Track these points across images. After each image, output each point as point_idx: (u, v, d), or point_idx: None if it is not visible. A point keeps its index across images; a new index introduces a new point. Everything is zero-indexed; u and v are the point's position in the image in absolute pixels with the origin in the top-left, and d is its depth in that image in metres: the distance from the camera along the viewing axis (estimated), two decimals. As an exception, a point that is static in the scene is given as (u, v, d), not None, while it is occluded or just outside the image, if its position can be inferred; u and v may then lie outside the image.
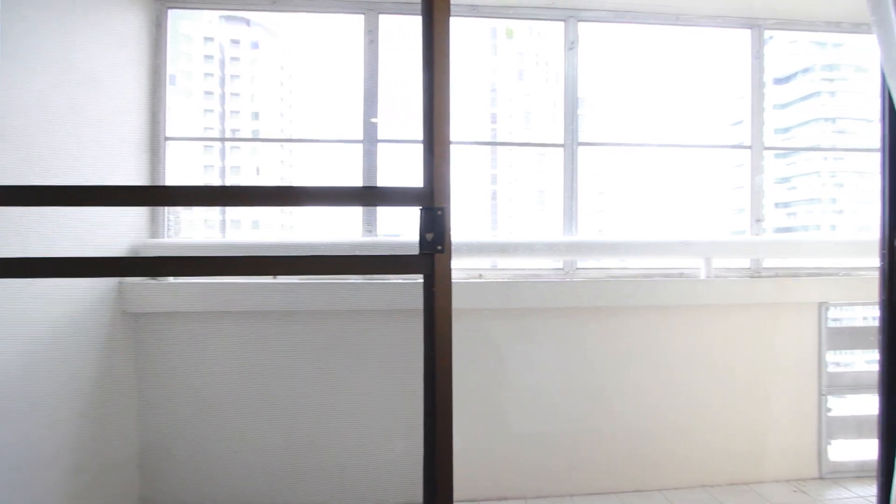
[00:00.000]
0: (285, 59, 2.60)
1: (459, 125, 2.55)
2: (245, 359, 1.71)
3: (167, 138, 2.07)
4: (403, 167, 2.21)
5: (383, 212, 2.09)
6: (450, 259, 1.10)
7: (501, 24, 2.62)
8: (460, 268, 2.10)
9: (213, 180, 2.38)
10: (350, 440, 1.80)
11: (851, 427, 2.26)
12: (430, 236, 1.08)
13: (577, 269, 2.17)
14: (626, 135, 2.49)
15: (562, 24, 2.22)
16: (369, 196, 1.34)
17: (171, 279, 1.79)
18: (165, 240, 2.00)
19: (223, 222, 2.37)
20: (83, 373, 1.56)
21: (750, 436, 2.17)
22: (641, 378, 2.09)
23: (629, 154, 2.47)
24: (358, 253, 1.79)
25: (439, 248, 1.09)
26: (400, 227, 2.15)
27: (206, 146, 2.41)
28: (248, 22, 2.50)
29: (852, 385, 2.27)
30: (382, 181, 2.11)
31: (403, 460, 1.69)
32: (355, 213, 2.10)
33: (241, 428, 1.73)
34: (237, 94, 2.50)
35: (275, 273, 1.60)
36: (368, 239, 1.94)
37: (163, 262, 1.19)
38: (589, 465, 2.06)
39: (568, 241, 2.11)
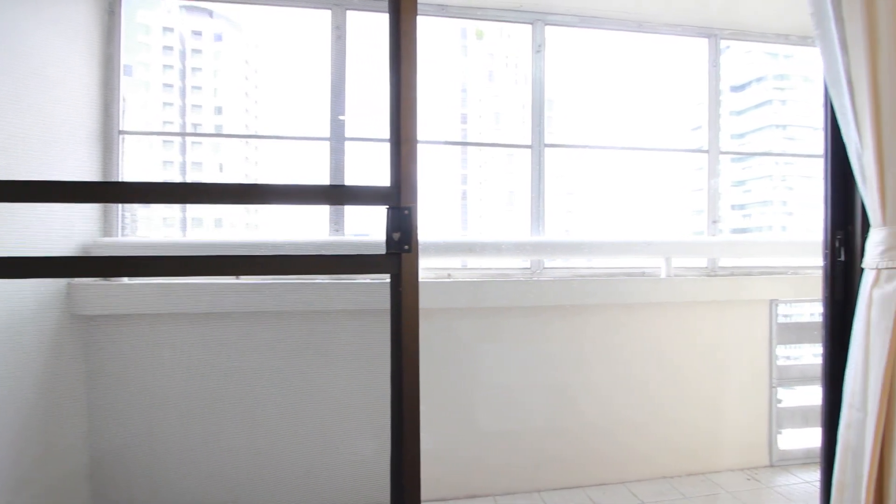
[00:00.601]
0: (251, 53, 2.53)
1: (430, 125, 2.55)
2: (206, 362, 1.66)
3: (121, 132, 1.97)
4: (373, 165, 2.19)
5: (352, 211, 2.07)
6: (417, 259, 1.10)
7: (472, 25, 2.63)
8: (429, 267, 2.10)
9: (173, 177, 2.29)
10: (316, 443, 1.77)
11: (799, 417, 2.40)
12: (396, 236, 1.07)
13: (545, 268, 2.20)
14: (593, 137, 2.55)
15: (529, 27, 2.26)
16: (335, 195, 1.32)
17: (125, 280, 1.71)
18: (120, 238, 1.91)
19: (184, 220, 2.29)
20: (27, 380, 1.47)
21: (706, 428, 2.27)
22: (604, 375, 2.14)
23: (596, 156, 2.53)
24: (324, 252, 1.75)
25: (406, 247, 1.08)
26: (369, 227, 2.13)
27: (165, 141, 2.32)
28: (210, 13, 2.42)
29: (800, 377, 2.40)
30: (351, 180, 2.08)
31: (371, 462, 1.67)
32: (322, 212, 2.06)
33: (201, 434, 1.67)
34: (199, 88, 2.42)
35: (238, 273, 1.56)
36: (335, 238, 1.91)
37: (116, 262, 1.13)
38: (555, 462, 2.10)
39: (534, 241, 2.14)
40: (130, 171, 2.07)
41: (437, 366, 1.99)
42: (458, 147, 2.65)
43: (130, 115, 2.10)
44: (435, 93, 2.66)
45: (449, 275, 2.09)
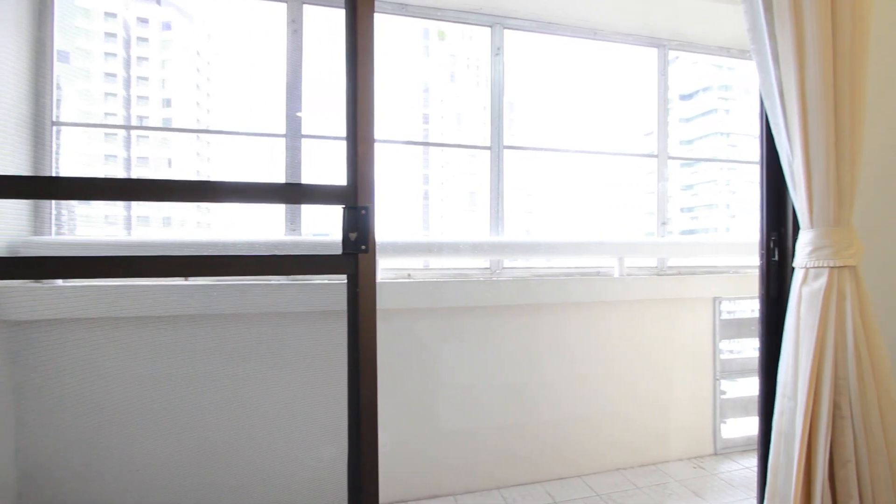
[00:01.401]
0: (202, 44, 2.42)
1: (392, 124, 2.53)
2: (151, 369, 1.57)
3: (56, 123, 1.84)
4: (333, 164, 2.14)
5: (311, 210, 2.02)
6: (374, 259, 1.09)
7: (434, 26, 2.63)
8: (389, 268, 2.08)
9: (117, 172, 2.15)
10: (273, 450, 1.71)
11: (740, 407, 2.55)
12: (353, 236, 1.06)
13: (504, 268, 2.24)
14: (553, 140, 2.62)
15: (489, 29, 2.28)
16: (290, 193, 1.29)
17: (59, 282, 1.59)
18: (54, 237, 1.78)
19: (128, 219, 2.16)
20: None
21: (656, 420, 2.37)
22: (559, 372, 2.20)
23: (555, 158, 2.59)
24: (279, 252, 1.70)
25: (363, 247, 1.07)
26: (329, 227, 2.08)
27: (107, 134, 2.18)
28: (158, 0, 2.30)
29: (741, 370, 2.56)
30: (309, 178, 2.03)
31: (330, 467, 1.64)
32: (279, 211, 2.00)
33: (145, 445, 1.58)
34: (145, 79, 2.29)
35: (186, 274, 1.49)
36: (291, 238, 1.86)
37: (50, 263, 1.05)
38: (514, 458, 2.13)
39: (491, 242, 2.17)
40: (67, 165, 1.94)
41: (397, 366, 1.98)
42: (421, 147, 2.64)
43: (67, 105, 1.96)
44: (397, 92, 2.64)
45: (409, 275, 2.08)
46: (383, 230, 2.43)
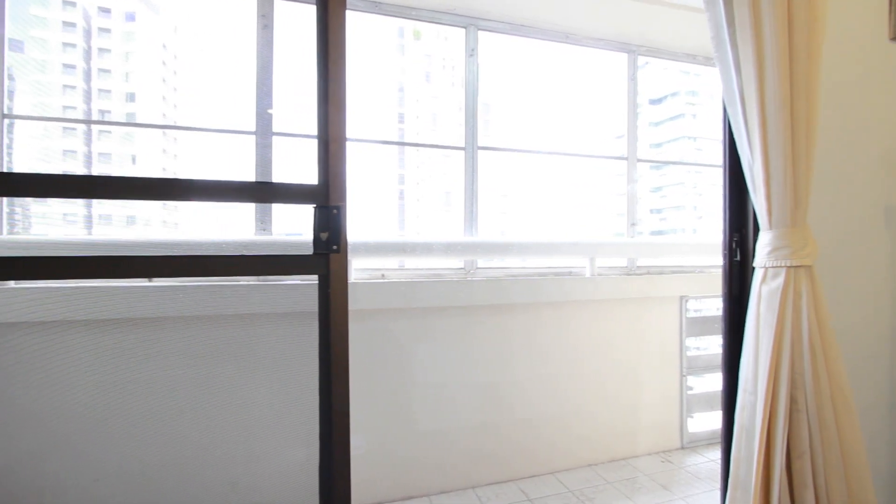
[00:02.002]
0: (169, 37, 2.34)
1: (366, 123, 2.51)
2: (111, 374, 1.50)
3: (6, 115, 1.74)
4: (306, 162, 2.11)
5: (283, 210, 1.98)
6: (346, 259, 1.07)
7: (409, 25, 2.62)
8: (363, 268, 2.06)
9: (76, 168, 2.06)
10: (242, 455, 1.67)
11: (705, 402, 2.64)
12: (324, 236, 1.04)
13: (478, 268, 2.25)
14: (528, 141, 2.65)
15: (463, 30, 2.29)
16: (260, 192, 1.26)
17: (11, 283, 1.51)
18: (6, 236, 1.68)
19: (89, 217, 2.06)
20: None
21: (626, 416, 2.43)
22: (532, 371, 2.23)
23: (530, 159, 2.62)
24: (249, 253, 1.66)
25: (335, 247, 1.05)
26: (302, 227, 2.05)
27: (66, 128, 2.08)
28: (120, -10, 2.21)
29: (706, 366, 2.65)
30: (282, 177, 1.99)
31: (302, 471, 1.61)
32: (249, 210, 1.95)
33: (105, 454, 1.52)
34: (107, 71, 2.20)
35: (150, 275, 1.43)
36: (260, 238, 1.82)
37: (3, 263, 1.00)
38: (488, 458, 2.15)
39: (464, 242, 2.18)
40: (21, 160, 1.84)
41: (372, 367, 1.96)
42: (396, 147, 2.63)
43: (21, 97, 1.86)
44: (372, 91, 2.62)
45: (383, 275, 2.07)
46: (357, 230, 2.41)
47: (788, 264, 1.26)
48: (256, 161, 1.88)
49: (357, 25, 2.34)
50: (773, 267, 1.28)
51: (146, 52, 2.26)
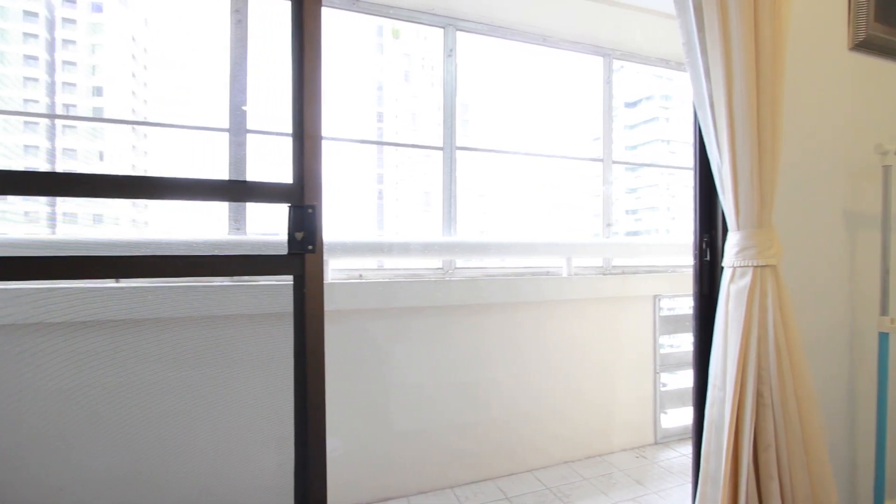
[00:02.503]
0: (138, 29, 2.27)
1: (345, 122, 2.48)
2: (76, 379, 1.45)
3: (-38, 109, 1.66)
4: (282, 161, 2.07)
5: (259, 209, 1.94)
6: (322, 259, 1.06)
7: (388, 23, 2.61)
8: (340, 268, 2.04)
9: (39, 165, 1.98)
10: (214, 460, 1.63)
11: (678, 398, 2.71)
12: (299, 235, 1.03)
13: (456, 268, 2.25)
14: (505, 142, 2.66)
15: (441, 30, 2.29)
16: (233, 190, 1.23)
17: (-34, 285, 1.43)
18: (-40, 236, 1.60)
19: (53, 216, 1.98)
20: None
21: (602, 413, 2.47)
22: (509, 370, 2.24)
23: (508, 160, 2.64)
24: (222, 253, 1.62)
25: (310, 247, 1.04)
26: (279, 226, 2.01)
27: (26, 122, 1.99)
28: (86, -20, 2.13)
29: (679, 363, 2.72)
30: (256, 176, 1.95)
31: (277, 475, 1.58)
32: (223, 209, 1.91)
33: (70, 461, 1.46)
34: (72, 64, 2.12)
35: (117, 276, 1.38)
36: (233, 237, 1.78)
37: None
38: (466, 457, 2.15)
39: (441, 242, 2.18)
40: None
41: (349, 367, 1.95)
42: (375, 146, 2.61)
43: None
44: (350, 89, 2.59)
45: (360, 275, 2.05)
46: (335, 230, 2.38)
47: (755, 264, 1.30)
48: (230, 159, 1.84)
49: (335, 22, 2.32)
50: (740, 266, 1.32)
51: (114, 45, 2.18)
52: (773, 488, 1.28)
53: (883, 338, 1.58)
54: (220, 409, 1.58)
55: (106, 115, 2.18)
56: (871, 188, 1.69)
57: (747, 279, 1.30)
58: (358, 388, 1.96)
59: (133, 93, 2.23)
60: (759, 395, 1.32)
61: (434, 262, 2.23)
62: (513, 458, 2.25)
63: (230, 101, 1.87)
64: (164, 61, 2.23)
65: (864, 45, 1.65)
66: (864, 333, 1.70)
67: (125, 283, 1.57)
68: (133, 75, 2.23)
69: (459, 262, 2.28)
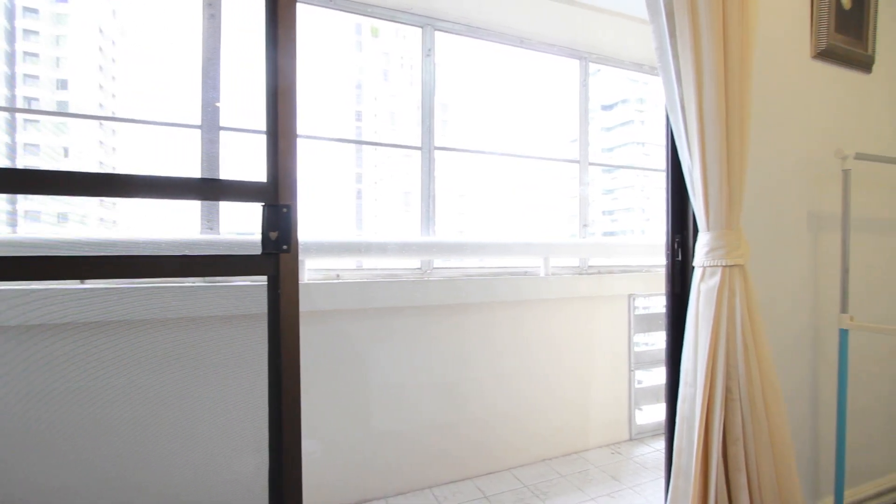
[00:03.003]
0: (106, 21, 2.19)
1: (323, 120, 2.45)
2: (39, 384, 1.38)
3: (-88, 100, 1.57)
4: (258, 160, 2.03)
5: (234, 209, 1.89)
6: (297, 259, 1.04)
7: (367, 21, 2.59)
8: (318, 268, 2.02)
9: (-2, 160, 1.89)
10: (187, 465, 1.59)
11: (652, 395, 2.77)
12: (273, 235, 1.01)
13: (434, 268, 2.25)
14: (485, 142, 2.68)
15: (419, 30, 2.29)
16: (205, 189, 1.20)
17: (-84, 287, 1.35)
18: (-90, 235, 1.51)
19: (13, 214, 1.90)
20: None
21: (578, 411, 2.51)
22: (488, 370, 2.26)
23: (487, 161, 2.66)
24: (193, 252, 1.58)
25: (285, 247, 1.02)
26: (256, 226, 1.96)
27: (-16, 116, 1.90)
28: (49, -33, 2.05)
29: (653, 361, 2.78)
30: (230, 174, 1.91)
31: (251, 481, 1.55)
32: (195, 208, 1.86)
33: (32, 472, 1.40)
34: (34, 55, 2.03)
35: (81, 276, 1.33)
36: (205, 237, 1.73)
37: None
38: (445, 457, 2.15)
39: (418, 242, 2.18)
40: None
41: (327, 368, 1.92)
42: (354, 145, 2.59)
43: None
44: (328, 87, 2.56)
45: (338, 276, 2.03)
46: (313, 229, 2.35)
47: (724, 264, 1.34)
48: (202, 156, 1.79)
49: (312, 19, 2.29)
50: (710, 266, 1.36)
51: (80, 37, 2.10)
52: (741, 480, 1.33)
53: (843, 334, 1.65)
54: (192, 414, 1.54)
55: (71, 110, 2.10)
56: (832, 191, 1.76)
57: (717, 278, 1.34)
58: (337, 389, 1.94)
59: (100, 86, 2.16)
60: (727, 390, 1.36)
61: (413, 263, 2.23)
62: (491, 457, 2.26)
63: (202, 96, 1.82)
64: (134, 55, 2.16)
65: (826, 54, 1.73)
66: (825, 330, 1.78)
67: (91, 284, 1.52)
68: (100, 68, 2.16)
69: (438, 263, 2.28)
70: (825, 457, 1.77)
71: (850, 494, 1.80)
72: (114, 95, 2.17)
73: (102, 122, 2.15)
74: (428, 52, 2.28)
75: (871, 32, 1.83)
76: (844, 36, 1.76)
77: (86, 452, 1.48)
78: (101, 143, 2.14)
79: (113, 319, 1.44)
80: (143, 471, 1.55)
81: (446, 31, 2.33)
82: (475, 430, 2.22)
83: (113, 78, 2.17)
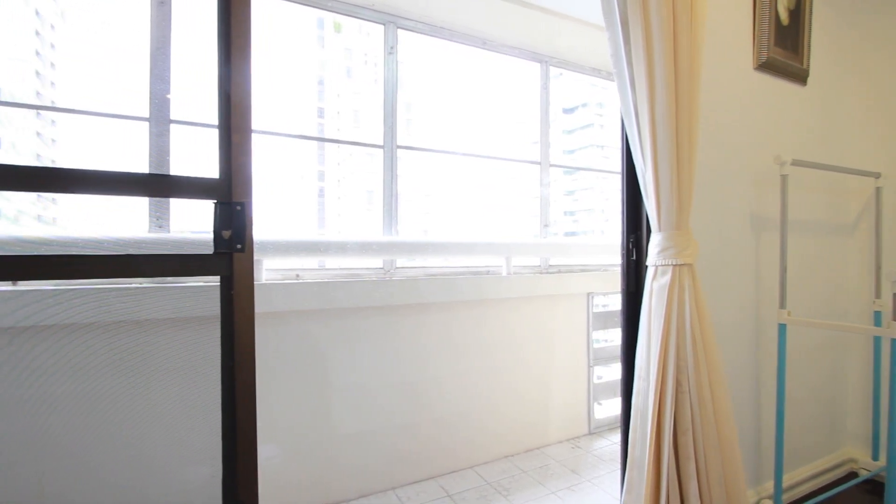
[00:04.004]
0: (44, 4, 2.04)
1: (283, 116, 2.39)
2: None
3: None
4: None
5: (188, 206, 1.81)
6: (251, 259, 1.01)
7: (329, 16, 2.54)
8: (277, 268, 1.96)
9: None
10: (135, 475, 1.50)
11: (610, 390, 2.87)
12: (226, 234, 0.97)
13: (397, 268, 2.24)
14: (449, 142, 2.68)
15: (382, 27, 2.26)
16: (152, 185, 1.14)
17: None
18: None
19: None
20: None
21: (539, 407, 2.56)
22: (451, 368, 2.26)
23: (451, 160, 2.66)
24: (139, 252, 1.50)
25: (238, 246, 0.98)
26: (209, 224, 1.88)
27: None
28: (-23, -57, 1.89)
29: (610, 357, 2.87)
30: (185, 171, 1.82)
31: (205, 489, 1.48)
32: (144, 205, 1.76)
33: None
34: (-41, 38, 1.87)
35: (13, 277, 1.24)
36: (153, 235, 1.65)
37: None
38: (408, 457, 2.14)
39: (379, 241, 2.16)
40: None
41: (287, 370, 1.87)
42: (316, 143, 2.53)
43: None
44: (289, 82, 2.50)
45: (298, 276, 1.98)
46: (272, 228, 2.28)
47: (674, 263, 1.40)
48: (150, 151, 1.70)
49: (272, 10, 2.22)
50: (662, 265, 1.42)
51: (14, 19, 1.95)
52: (690, 469, 1.39)
53: (781, 328, 1.76)
54: (140, 423, 1.46)
55: (3, 98, 1.95)
56: (772, 195, 1.88)
57: (668, 277, 1.41)
58: (298, 391, 1.89)
59: (37, 73, 2.01)
60: (678, 383, 1.42)
61: (375, 262, 2.20)
62: (454, 456, 2.27)
63: (151, 87, 1.73)
64: (76, 40, 2.03)
65: (767, 66, 1.84)
66: (766, 324, 1.90)
67: (24, 285, 1.41)
68: (37, 53, 2.01)
69: (401, 262, 2.27)
70: (766, 444, 1.89)
71: (787, 478, 1.92)
72: (53, 83, 2.03)
73: (40, 111, 2.00)
74: (391, 49, 2.26)
75: (806, 48, 1.97)
76: (783, 50, 1.88)
77: (18, 467, 1.38)
78: (38, 133, 2.00)
79: (49, 323, 1.35)
80: (84, 484, 1.45)
81: (409, 30, 2.32)
82: (438, 429, 2.22)
83: (52, 64, 2.03)
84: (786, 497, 1.90)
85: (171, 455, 1.48)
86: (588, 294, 2.72)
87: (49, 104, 2.01)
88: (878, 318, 2.05)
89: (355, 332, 2.02)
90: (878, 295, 2.07)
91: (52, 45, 2.03)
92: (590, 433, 2.74)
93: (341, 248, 2.03)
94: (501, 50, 2.61)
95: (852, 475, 2.16)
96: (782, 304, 1.76)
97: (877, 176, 2.05)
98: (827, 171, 1.93)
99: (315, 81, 2.67)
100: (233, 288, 0.99)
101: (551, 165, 2.79)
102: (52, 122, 2.02)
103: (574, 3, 2.49)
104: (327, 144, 2.54)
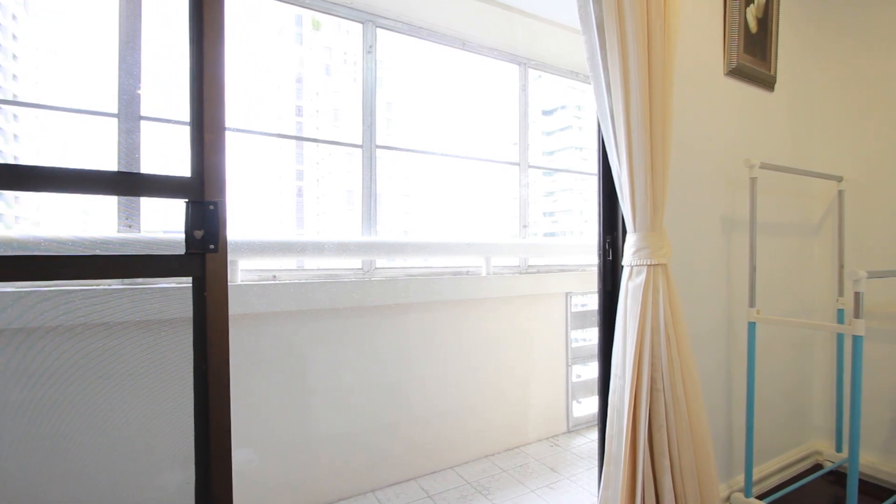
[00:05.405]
0: (7, -5, 1.96)
1: (261, 115, 2.35)
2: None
3: None
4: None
5: (160, 206, 1.75)
6: (225, 259, 0.99)
7: (308, 13, 2.51)
8: (253, 269, 1.92)
9: None
10: (105, 483, 1.45)
11: (588, 388, 2.91)
12: (199, 234, 0.95)
13: (376, 268, 2.22)
14: (429, 142, 2.67)
15: (360, 26, 2.25)
16: (121, 183, 1.10)
17: None
18: None
19: None
20: None
21: (519, 406, 2.58)
22: (430, 369, 2.26)
23: (431, 161, 2.66)
24: (106, 252, 1.45)
25: (212, 247, 0.96)
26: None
27: None
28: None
29: (588, 355, 2.91)
30: (157, 169, 1.77)
31: (178, 496, 1.44)
32: (113, 204, 1.71)
33: None
34: (-86, 28, 1.78)
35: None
36: (122, 235, 1.59)
37: None
38: (388, 458, 2.13)
39: (357, 242, 2.14)
40: None
41: (264, 372, 1.84)
42: (295, 142, 2.49)
43: None
44: (267, 80, 2.46)
45: (274, 276, 1.94)
46: (248, 228, 2.24)
47: (649, 263, 1.43)
48: (119, 148, 1.65)
49: (248, 5, 2.18)
50: (637, 265, 1.45)
51: (-28, 10, 1.87)
52: (665, 464, 1.42)
53: (751, 326, 1.82)
54: (110, 429, 1.41)
55: (-39, 91, 1.86)
56: (743, 197, 1.94)
57: (643, 277, 1.44)
58: (276, 393, 1.86)
59: (-1, 67, 1.93)
60: (652, 381, 1.45)
61: (354, 263, 2.18)
62: (434, 457, 2.27)
63: (119, 82, 1.68)
64: (40, 33, 1.95)
65: (736, 72, 1.90)
66: (737, 323, 1.95)
67: (-18, 287, 1.35)
68: (-1, 47, 1.93)
69: (381, 263, 2.25)
70: (737, 438, 1.95)
71: (757, 471, 1.99)
72: (15, 76, 1.95)
73: (1, 105, 1.92)
74: (369, 48, 2.24)
75: (773, 55, 2.04)
76: (752, 57, 1.94)
77: (-23, 478, 1.31)
78: (0, 129, 1.92)
79: (9, 327, 1.29)
80: (52, 492, 1.40)
81: (388, 29, 2.31)
82: (418, 429, 2.22)
83: (14, 57, 1.95)
84: (755, 489, 1.96)
85: (144, 462, 1.43)
86: (566, 294, 2.76)
87: (11, 98, 1.93)
88: (841, 316, 2.14)
89: (334, 333, 1.99)
90: (841, 293, 2.16)
91: (14, 37, 1.95)
92: (568, 431, 2.78)
93: (319, 249, 2.01)
94: (481, 51, 2.62)
95: (818, 467, 2.24)
96: (752, 303, 1.82)
97: (839, 179, 2.14)
98: (793, 174, 2.01)
99: (293, 79, 2.63)
100: (205, 289, 0.97)
101: (530, 167, 2.82)
102: (15, 116, 1.94)
103: (552, 6, 2.52)
104: (306, 143, 2.51)
